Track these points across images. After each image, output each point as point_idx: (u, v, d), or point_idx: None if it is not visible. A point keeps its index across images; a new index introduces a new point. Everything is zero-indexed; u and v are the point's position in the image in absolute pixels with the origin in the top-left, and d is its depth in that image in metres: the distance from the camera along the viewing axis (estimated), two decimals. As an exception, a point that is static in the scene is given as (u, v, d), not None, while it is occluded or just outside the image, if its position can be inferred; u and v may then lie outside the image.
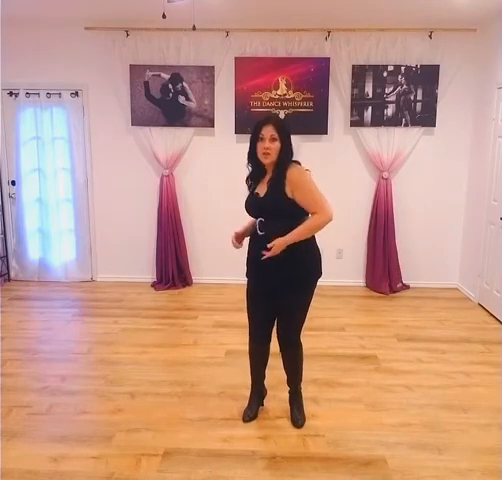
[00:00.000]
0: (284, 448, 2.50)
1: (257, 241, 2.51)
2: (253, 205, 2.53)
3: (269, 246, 2.38)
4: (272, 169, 2.49)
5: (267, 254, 2.40)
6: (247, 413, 2.75)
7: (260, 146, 2.43)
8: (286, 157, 2.46)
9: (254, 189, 2.55)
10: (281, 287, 2.51)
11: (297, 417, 2.70)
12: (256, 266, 2.56)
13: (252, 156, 2.51)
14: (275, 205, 2.45)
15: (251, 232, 2.62)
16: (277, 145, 2.41)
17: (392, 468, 2.35)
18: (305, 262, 2.53)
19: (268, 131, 2.40)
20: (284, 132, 2.43)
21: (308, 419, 2.72)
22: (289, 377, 2.76)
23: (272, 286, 2.53)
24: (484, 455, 2.45)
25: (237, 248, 2.63)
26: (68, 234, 5.29)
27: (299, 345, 2.67)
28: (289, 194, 2.42)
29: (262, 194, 2.49)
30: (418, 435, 2.61)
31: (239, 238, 2.64)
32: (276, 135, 2.40)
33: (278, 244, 2.38)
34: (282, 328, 2.61)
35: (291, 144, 2.48)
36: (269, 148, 2.40)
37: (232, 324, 4.11)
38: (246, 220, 2.67)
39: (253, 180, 2.58)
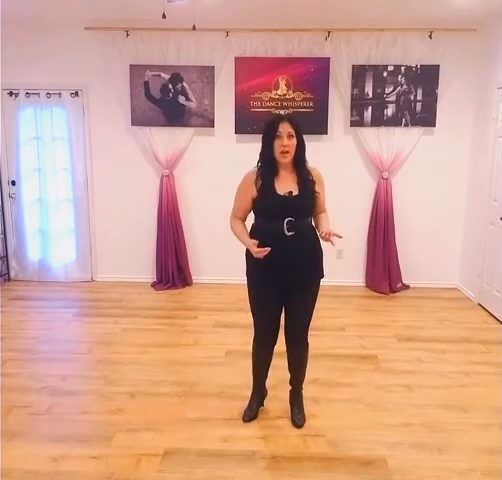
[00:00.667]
0: (284, 448, 2.50)
1: (280, 241, 2.39)
2: (283, 204, 2.40)
3: (327, 236, 2.36)
4: (292, 167, 2.48)
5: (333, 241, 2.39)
6: (247, 413, 2.75)
7: (278, 144, 2.39)
8: (303, 154, 2.48)
9: (271, 189, 2.43)
10: (299, 286, 2.51)
11: (297, 417, 2.70)
12: (276, 268, 2.43)
13: (266, 155, 2.45)
14: (310, 204, 2.48)
15: (266, 233, 2.45)
16: (294, 142, 2.42)
17: (392, 468, 2.35)
18: (320, 261, 2.58)
19: (285, 128, 2.39)
20: (299, 129, 2.44)
21: (308, 419, 2.73)
22: (293, 376, 2.76)
23: (292, 286, 2.50)
24: (484, 455, 2.45)
25: (265, 253, 2.33)
26: (68, 234, 5.29)
27: (308, 344, 2.68)
28: (317, 193, 2.49)
29: (296, 193, 2.43)
30: (418, 435, 2.62)
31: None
32: (293, 132, 2.40)
33: (333, 233, 2.38)
34: (295, 327, 2.61)
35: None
36: (288, 145, 2.39)
37: (232, 324, 4.11)
38: (236, 227, 2.56)
39: (265, 180, 2.46)
